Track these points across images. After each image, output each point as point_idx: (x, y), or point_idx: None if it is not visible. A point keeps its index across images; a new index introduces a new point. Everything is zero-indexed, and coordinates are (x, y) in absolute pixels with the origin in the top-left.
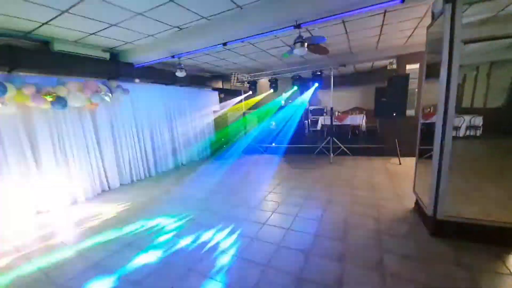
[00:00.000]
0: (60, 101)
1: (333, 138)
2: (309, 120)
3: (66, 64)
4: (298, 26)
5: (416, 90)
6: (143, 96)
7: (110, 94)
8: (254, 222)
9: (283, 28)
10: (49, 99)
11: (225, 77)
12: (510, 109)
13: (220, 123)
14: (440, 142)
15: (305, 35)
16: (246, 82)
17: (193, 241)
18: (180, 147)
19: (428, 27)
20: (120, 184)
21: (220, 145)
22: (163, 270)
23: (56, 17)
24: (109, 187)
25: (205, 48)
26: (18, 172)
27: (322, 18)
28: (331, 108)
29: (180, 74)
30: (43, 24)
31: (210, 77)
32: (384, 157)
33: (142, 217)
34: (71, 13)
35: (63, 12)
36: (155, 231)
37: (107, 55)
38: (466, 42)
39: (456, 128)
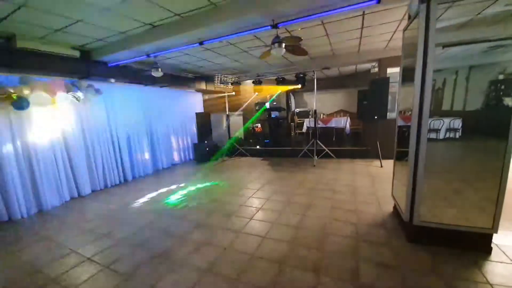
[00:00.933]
0: (21, 101)
1: (317, 140)
2: (295, 123)
3: (30, 63)
4: (275, 26)
5: (396, 93)
6: (119, 97)
7: (79, 94)
8: (228, 230)
9: (259, 27)
10: (8, 99)
11: (208, 79)
12: (487, 111)
13: (204, 125)
14: (415, 145)
15: (284, 35)
16: (230, 83)
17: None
18: (161, 150)
19: (404, 30)
20: (92, 191)
21: (203, 147)
22: None
23: (15, 11)
24: (79, 194)
25: (181, 47)
26: None
27: (299, 18)
28: (315, 111)
29: (156, 74)
30: (1, 19)
31: (193, 78)
32: (367, 159)
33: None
34: (31, 7)
35: (21, 6)
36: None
37: (77, 53)
38: (441, 45)
39: (436, 131)
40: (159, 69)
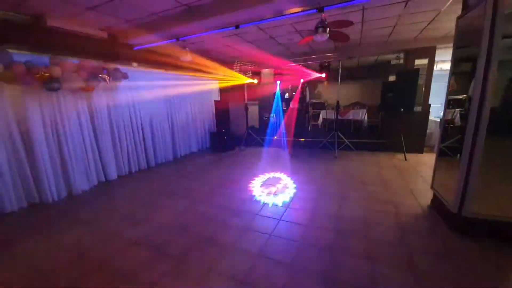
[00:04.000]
0: (53, 82)
1: (338, 132)
2: (309, 114)
3: (60, 42)
4: (321, 10)
5: (424, 86)
6: (142, 81)
7: (107, 77)
8: (268, 218)
9: (305, 11)
10: (40, 80)
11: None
12: (504, 109)
13: (222, 114)
14: (472, 139)
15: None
16: (249, 72)
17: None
18: (179, 138)
19: (459, 18)
20: (118, 176)
21: (221, 136)
22: None
23: None
24: (106, 178)
25: (215, 30)
26: (6, 161)
27: (345, 2)
28: (337, 102)
29: (185, 58)
30: None
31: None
32: (388, 152)
33: None
34: None
35: None
36: None
37: (104, 34)
38: (505, 37)
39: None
40: (188, 53)
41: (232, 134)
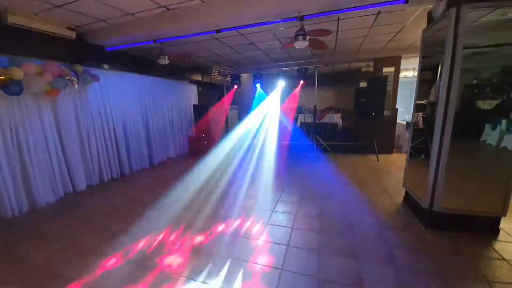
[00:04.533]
0: (13, 85)
1: (316, 135)
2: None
3: (22, 42)
4: (301, 18)
5: (391, 92)
6: (115, 85)
7: (76, 80)
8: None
9: (286, 18)
10: (0, 82)
11: (204, 70)
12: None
13: (201, 119)
14: (439, 139)
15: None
16: (228, 76)
17: None
18: (156, 143)
19: (425, 30)
20: (88, 186)
21: (200, 141)
22: None
23: None
24: (74, 189)
25: (194, 34)
26: None
27: (325, 12)
28: (315, 107)
29: (162, 61)
30: None
31: (188, 69)
32: (362, 154)
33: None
34: None
35: None
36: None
37: (72, 34)
38: (467, 47)
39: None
40: (166, 56)
41: (211, 139)
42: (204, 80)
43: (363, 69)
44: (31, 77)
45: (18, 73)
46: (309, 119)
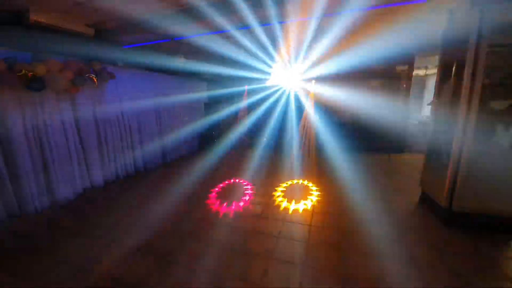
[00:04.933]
0: (36, 82)
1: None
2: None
3: (42, 39)
4: None
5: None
6: (130, 82)
7: (95, 77)
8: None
9: None
10: (21, 78)
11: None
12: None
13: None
14: (460, 139)
15: None
16: None
17: None
18: (169, 141)
19: (445, 30)
20: (104, 182)
21: (211, 139)
22: None
23: None
24: (91, 185)
25: (214, 31)
26: None
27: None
28: None
29: (180, 60)
30: None
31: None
32: (373, 153)
33: None
34: None
35: None
36: None
37: (91, 32)
38: (491, 46)
39: None
40: (182, 55)
41: (222, 135)
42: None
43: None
44: (53, 74)
45: (41, 69)
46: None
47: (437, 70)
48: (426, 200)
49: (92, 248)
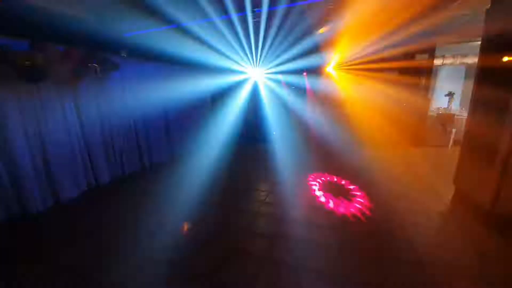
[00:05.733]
0: (35, 72)
1: None
2: None
3: (41, 25)
4: None
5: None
6: (134, 73)
7: (98, 67)
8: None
9: None
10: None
11: None
12: None
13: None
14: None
15: None
16: None
17: None
18: (175, 136)
19: (488, 10)
20: (111, 179)
21: (217, 134)
22: None
23: None
24: (97, 183)
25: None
26: None
27: None
28: None
29: (186, 48)
30: None
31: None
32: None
33: None
34: None
35: None
36: None
37: (92, 17)
38: None
39: None
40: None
41: (229, 132)
42: None
43: None
44: (54, 63)
45: (40, 58)
46: None
47: (479, 55)
48: (460, 199)
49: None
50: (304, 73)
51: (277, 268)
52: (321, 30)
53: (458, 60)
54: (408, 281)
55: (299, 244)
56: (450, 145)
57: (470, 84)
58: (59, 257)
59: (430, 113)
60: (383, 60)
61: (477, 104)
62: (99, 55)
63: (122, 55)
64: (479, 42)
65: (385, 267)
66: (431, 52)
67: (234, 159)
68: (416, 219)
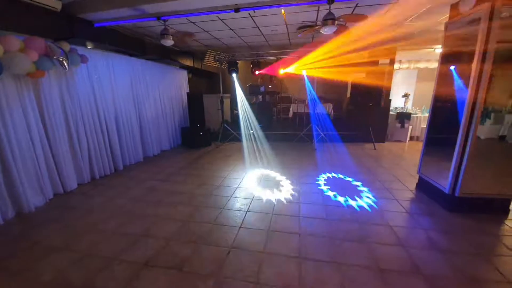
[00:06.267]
0: None
1: (315, 126)
2: (278, 107)
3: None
4: (331, 1)
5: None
6: (104, 68)
7: (66, 60)
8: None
9: (315, 0)
10: None
11: (196, 55)
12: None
13: (196, 107)
14: (466, 129)
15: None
16: (224, 62)
17: None
18: (150, 135)
19: (448, 24)
20: (78, 185)
21: (196, 132)
22: None
23: None
24: (64, 189)
25: (208, 12)
26: None
27: None
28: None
29: (166, 42)
30: None
31: (178, 52)
32: (357, 143)
33: None
34: None
35: None
36: None
37: (58, 5)
38: (499, 42)
39: None
40: (171, 36)
41: (207, 129)
42: (195, 65)
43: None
44: (13, 54)
45: None
46: (301, 109)
47: (440, 58)
48: (424, 187)
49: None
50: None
51: None
52: None
53: (412, 65)
54: (388, 259)
55: None
56: (407, 140)
57: (422, 86)
58: None
59: (390, 112)
60: (352, 64)
61: (437, 101)
62: (65, 47)
63: (92, 47)
64: (431, 49)
65: (360, 247)
66: (391, 58)
67: None
68: (390, 206)
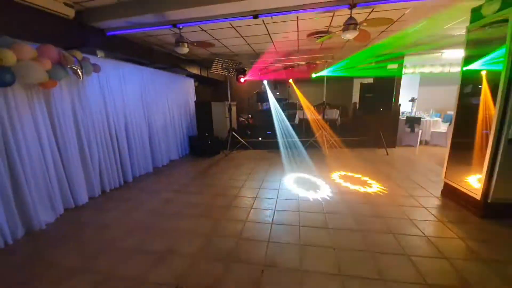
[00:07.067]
0: (4, 73)
1: (325, 132)
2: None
3: (9, 18)
4: (353, 6)
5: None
6: (115, 77)
7: (80, 69)
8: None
9: (337, 5)
10: None
11: (202, 63)
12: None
13: (204, 116)
14: (498, 134)
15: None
16: (233, 70)
17: None
18: (160, 144)
19: (470, 28)
20: (89, 198)
21: (205, 141)
22: None
23: None
24: (75, 204)
25: (226, 19)
26: None
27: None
28: (324, 103)
29: (182, 50)
30: None
31: (186, 60)
32: (368, 148)
33: None
34: None
35: None
36: None
37: (71, 13)
38: None
39: None
40: (186, 44)
41: (215, 137)
42: (202, 74)
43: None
44: (26, 63)
45: (10, 57)
46: (308, 115)
47: (462, 61)
48: (450, 193)
49: None
50: None
51: None
52: None
53: (417, 70)
54: (433, 271)
55: None
56: (417, 145)
57: (425, 90)
58: None
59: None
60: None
61: (461, 104)
62: (78, 55)
63: (100, 56)
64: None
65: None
66: (400, 62)
67: None
68: (418, 214)
